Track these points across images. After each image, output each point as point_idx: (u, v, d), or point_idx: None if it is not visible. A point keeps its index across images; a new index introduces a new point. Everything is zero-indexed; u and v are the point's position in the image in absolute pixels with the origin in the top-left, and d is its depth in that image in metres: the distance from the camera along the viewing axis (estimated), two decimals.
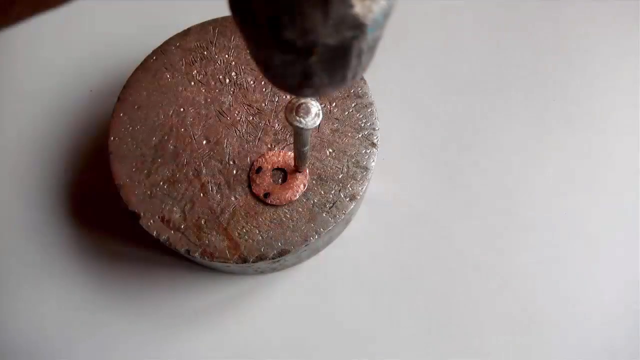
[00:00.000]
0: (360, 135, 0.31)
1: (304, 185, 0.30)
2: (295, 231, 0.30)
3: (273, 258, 0.29)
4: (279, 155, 0.30)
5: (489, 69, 0.39)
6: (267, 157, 0.30)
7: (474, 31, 0.40)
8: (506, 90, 0.38)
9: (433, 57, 0.39)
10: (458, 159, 0.37)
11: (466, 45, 0.39)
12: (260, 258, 0.29)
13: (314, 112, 0.22)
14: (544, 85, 0.38)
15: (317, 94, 0.18)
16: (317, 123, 0.22)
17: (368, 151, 0.31)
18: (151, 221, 0.30)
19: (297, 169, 0.30)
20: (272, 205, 0.30)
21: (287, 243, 0.29)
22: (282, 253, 0.29)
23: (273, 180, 0.30)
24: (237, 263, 0.29)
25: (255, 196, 0.30)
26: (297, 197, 0.30)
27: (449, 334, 0.33)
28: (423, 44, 0.40)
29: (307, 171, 0.30)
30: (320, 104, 0.28)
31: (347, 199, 0.30)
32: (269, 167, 0.30)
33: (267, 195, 0.29)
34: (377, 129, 0.32)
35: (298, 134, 0.24)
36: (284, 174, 0.30)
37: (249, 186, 0.30)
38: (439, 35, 0.40)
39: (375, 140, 0.31)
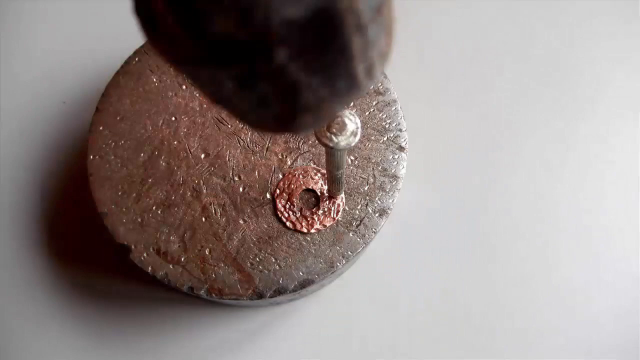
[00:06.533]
0: (385, 139, 0.27)
1: (343, 204, 0.25)
2: (319, 257, 0.25)
3: (294, 290, 0.24)
4: (303, 173, 0.26)
5: (524, 59, 0.35)
6: (290, 177, 0.26)
7: (506, 16, 0.35)
8: (551, 82, 0.34)
9: (461, 46, 0.35)
10: (498, 161, 0.32)
11: (497, 31, 0.35)
12: (279, 292, 0.24)
13: (350, 130, 0.17)
14: (587, 82, 0.34)
15: (320, 119, 0.12)
16: (353, 143, 0.17)
17: (396, 156, 0.26)
18: (144, 255, 0.25)
19: (331, 194, 0.25)
20: (288, 228, 0.25)
21: (309, 272, 0.25)
22: (304, 284, 0.25)
23: (302, 204, 0.25)
24: (251, 299, 0.24)
25: (286, 227, 0.25)
26: (337, 218, 0.25)
27: None
28: (450, 31, 0.35)
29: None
30: None
31: (377, 215, 0.26)
32: (295, 188, 0.25)
33: (299, 223, 0.25)
34: (404, 129, 0.27)
35: (330, 155, 0.19)
36: (315, 195, 0.25)
37: (275, 214, 0.25)
38: (467, 20, 0.35)
39: (403, 144, 0.27)
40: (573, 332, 0.30)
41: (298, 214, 0.25)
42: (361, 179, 0.26)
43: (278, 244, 0.25)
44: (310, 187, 0.25)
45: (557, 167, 0.32)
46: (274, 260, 0.25)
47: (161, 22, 0.09)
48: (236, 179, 0.26)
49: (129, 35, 0.26)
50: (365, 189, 0.26)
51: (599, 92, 0.34)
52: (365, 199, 0.26)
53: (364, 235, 0.25)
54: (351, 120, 0.17)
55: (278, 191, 0.26)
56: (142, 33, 0.10)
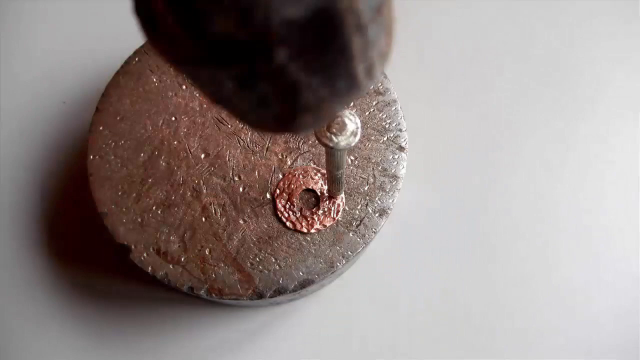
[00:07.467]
0: (385, 139, 0.27)
1: (343, 204, 0.25)
2: (319, 256, 0.25)
3: (294, 290, 0.24)
4: (303, 173, 0.26)
5: (524, 59, 0.35)
6: (290, 177, 0.26)
7: (506, 16, 0.35)
8: (551, 82, 0.34)
9: (461, 46, 0.35)
10: (498, 161, 0.32)
11: (497, 31, 0.35)
12: (279, 292, 0.24)
13: (350, 130, 0.17)
14: (587, 82, 0.34)
15: (320, 119, 0.12)
16: (353, 143, 0.17)
17: (396, 156, 0.26)
18: (144, 255, 0.25)
19: (331, 194, 0.25)
20: (288, 228, 0.25)
21: (309, 272, 0.25)
22: (304, 284, 0.25)
23: (302, 204, 0.25)
24: (251, 299, 0.24)
25: (286, 227, 0.25)
26: (337, 218, 0.25)
27: None
28: (450, 31, 0.35)
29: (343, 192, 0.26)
30: None
31: (377, 215, 0.26)
32: (295, 188, 0.25)
33: (299, 223, 0.25)
34: (404, 129, 0.27)
35: (330, 155, 0.19)
36: (315, 195, 0.25)
37: (275, 214, 0.25)
38: (467, 20, 0.35)
39: (403, 144, 0.27)
40: (573, 332, 0.30)
41: (298, 214, 0.25)
42: (361, 179, 0.26)
43: (278, 244, 0.25)
44: (310, 187, 0.26)
45: (557, 167, 0.32)
46: (274, 260, 0.25)
47: (161, 22, 0.09)
48: (236, 179, 0.26)
49: (129, 35, 0.26)
50: (365, 189, 0.26)
51: (599, 92, 0.34)
52: (365, 199, 0.26)
53: (364, 235, 0.25)
54: (351, 120, 0.17)
55: (278, 191, 0.26)
56: (142, 33, 0.10)
